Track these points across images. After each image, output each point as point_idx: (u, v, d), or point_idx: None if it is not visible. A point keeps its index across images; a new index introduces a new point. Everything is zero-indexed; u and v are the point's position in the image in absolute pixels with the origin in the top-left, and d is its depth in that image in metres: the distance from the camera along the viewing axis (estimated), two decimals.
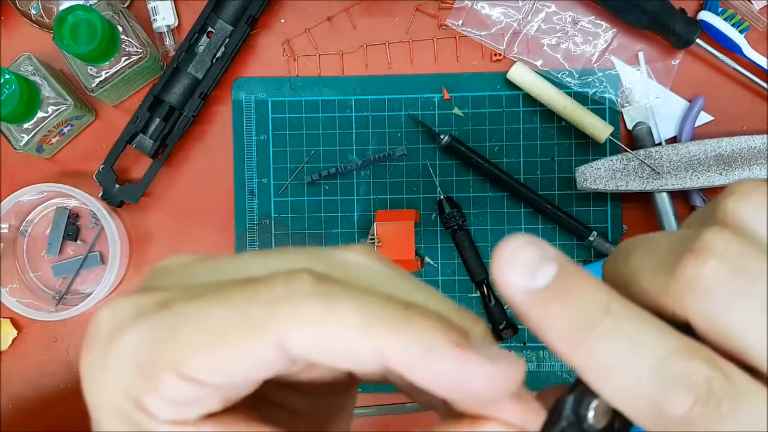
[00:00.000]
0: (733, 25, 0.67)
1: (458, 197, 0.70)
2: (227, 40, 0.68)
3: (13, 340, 0.72)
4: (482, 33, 0.70)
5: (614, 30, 0.70)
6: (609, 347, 0.18)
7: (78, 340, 0.73)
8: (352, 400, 0.26)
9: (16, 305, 0.68)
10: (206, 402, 0.20)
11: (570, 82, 0.70)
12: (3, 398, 0.72)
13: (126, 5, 0.71)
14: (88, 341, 0.21)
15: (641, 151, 0.66)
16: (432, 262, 0.71)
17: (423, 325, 0.19)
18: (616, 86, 0.70)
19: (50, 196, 0.71)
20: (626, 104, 0.70)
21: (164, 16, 0.70)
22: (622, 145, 0.67)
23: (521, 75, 0.69)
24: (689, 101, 0.69)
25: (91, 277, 0.73)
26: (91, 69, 0.66)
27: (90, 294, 0.68)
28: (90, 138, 0.73)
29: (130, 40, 0.66)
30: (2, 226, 0.70)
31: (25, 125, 0.66)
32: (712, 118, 0.69)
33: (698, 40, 0.67)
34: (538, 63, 0.70)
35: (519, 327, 0.69)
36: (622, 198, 0.70)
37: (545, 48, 0.70)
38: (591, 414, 0.19)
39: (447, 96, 0.70)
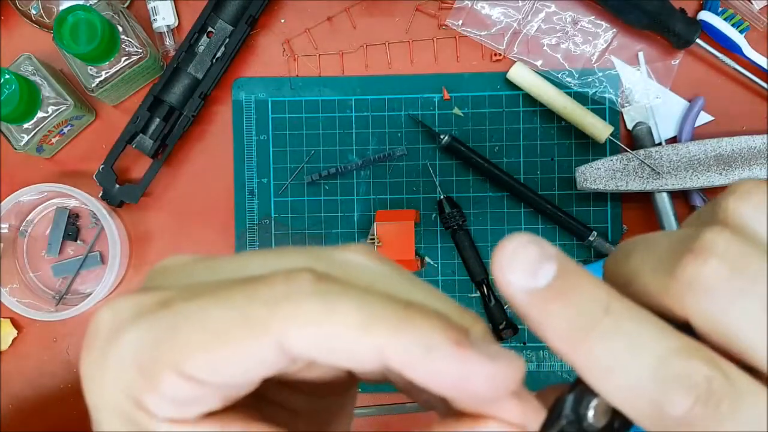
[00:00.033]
0: (733, 25, 0.67)
1: (458, 197, 0.70)
2: (227, 40, 0.68)
3: (13, 340, 0.72)
4: (482, 33, 0.70)
5: (614, 30, 0.70)
6: (609, 347, 0.18)
7: (78, 340, 0.73)
8: (352, 400, 0.26)
9: (16, 305, 0.68)
10: (206, 401, 0.20)
11: (570, 82, 0.70)
12: (3, 398, 0.72)
13: (126, 5, 0.71)
14: (88, 341, 0.21)
15: (641, 151, 0.66)
16: (432, 262, 0.71)
17: (423, 324, 0.19)
18: (616, 86, 0.70)
19: (50, 196, 0.71)
20: (626, 104, 0.70)
21: (164, 16, 0.70)
22: (622, 145, 0.67)
23: (521, 75, 0.69)
24: (689, 101, 0.69)
25: (91, 277, 0.73)
26: (91, 69, 0.66)
27: (90, 294, 0.68)
28: (90, 138, 0.73)
29: (130, 40, 0.66)
30: (2, 226, 0.70)
31: (25, 125, 0.66)
32: (712, 118, 0.69)
33: (698, 40, 0.67)
34: (538, 63, 0.70)
35: (519, 327, 0.69)
36: (622, 198, 0.70)
37: (545, 48, 0.70)
38: (591, 413, 0.19)
39: (447, 96, 0.70)
